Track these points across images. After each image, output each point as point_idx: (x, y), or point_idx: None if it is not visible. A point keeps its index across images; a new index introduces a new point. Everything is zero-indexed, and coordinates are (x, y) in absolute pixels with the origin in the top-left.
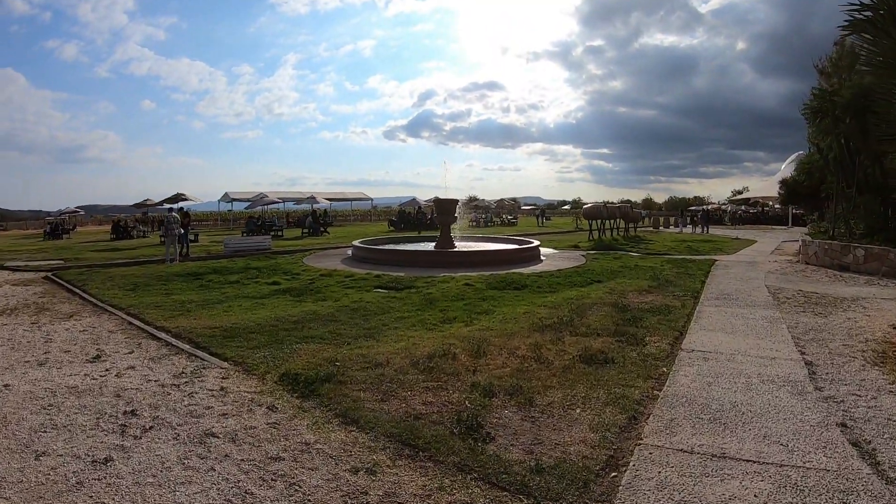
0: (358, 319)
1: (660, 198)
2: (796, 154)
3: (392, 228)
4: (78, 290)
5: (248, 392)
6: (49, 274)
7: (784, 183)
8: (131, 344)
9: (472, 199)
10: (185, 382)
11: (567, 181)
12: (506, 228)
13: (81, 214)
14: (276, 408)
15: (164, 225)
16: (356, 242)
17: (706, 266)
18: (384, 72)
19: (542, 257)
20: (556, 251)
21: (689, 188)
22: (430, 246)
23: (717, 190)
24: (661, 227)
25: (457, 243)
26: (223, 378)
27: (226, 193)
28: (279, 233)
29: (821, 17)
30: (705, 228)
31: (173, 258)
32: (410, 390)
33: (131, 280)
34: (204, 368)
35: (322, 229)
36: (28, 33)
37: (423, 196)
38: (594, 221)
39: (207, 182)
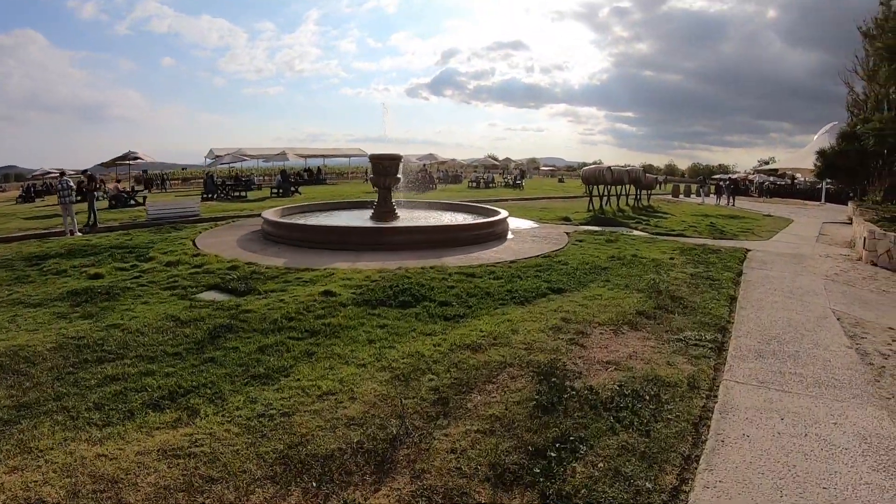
0: None
1: (683, 164)
2: (831, 124)
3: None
4: None
5: None
6: None
7: (822, 154)
8: None
9: (489, 158)
10: None
11: (590, 143)
12: (505, 191)
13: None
14: None
15: (58, 193)
16: (266, 214)
17: (735, 262)
18: (407, 29)
19: (510, 235)
20: (536, 225)
21: (714, 156)
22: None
23: (741, 159)
24: (680, 196)
25: (404, 213)
26: None
27: (210, 150)
28: (243, 193)
29: None
30: (731, 200)
31: (72, 230)
32: None
33: None
34: None
35: (294, 189)
36: None
37: (444, 154)
38: (595, 187)
39: (230, 139)
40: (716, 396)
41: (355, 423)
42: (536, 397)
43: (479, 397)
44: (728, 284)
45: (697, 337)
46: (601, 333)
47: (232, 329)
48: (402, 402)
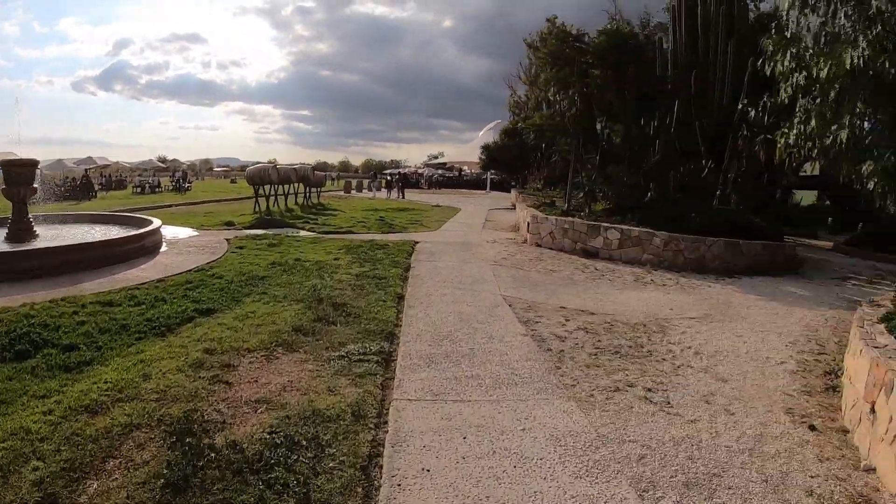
0: None
1: (357, 160)
2: (495, 122)
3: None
4: None
5: None
6: None
7: (486, 148)
8: None
9: (158, 160)
10: None
11: (265, 142)
12: (171, 196)
13: None
14: None
15: None
16: None
17: (403, 256)
18: (78, 14)
19: (164, 247)
20: (196, 233)
21: (387, 152)
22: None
23: (413, 154)
24: (352, 191)
25: (49, 229)
26: None
27: None
28: None
29: (526, 5)
30: (401, 193)
31: None
32: None
33: None
34: None
35: None
36: None
37: (112, 156)
38: (261, 187)
39: None
40: (386, 423)
41: None
42: (166, 472)
43: (95, 484)
44: (396, 282)
45: (362, 350)
46: (251, 362)
47: None
48: None
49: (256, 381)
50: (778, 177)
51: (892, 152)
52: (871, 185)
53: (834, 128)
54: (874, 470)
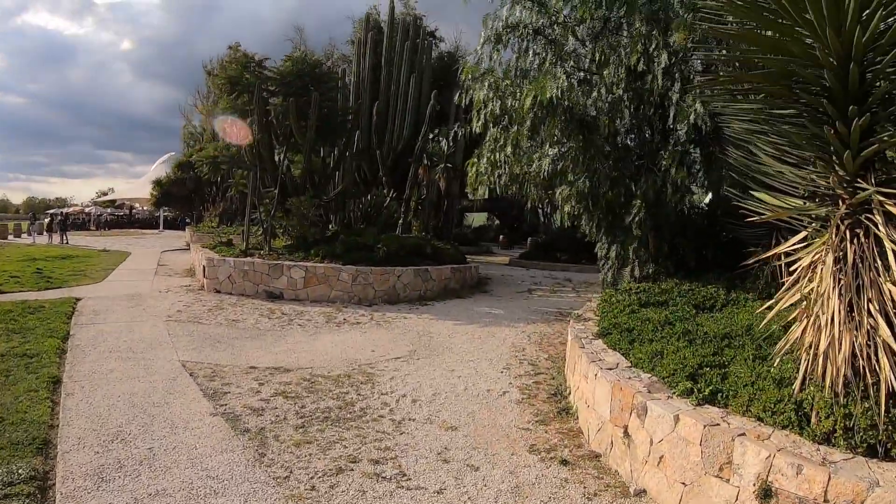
0: None
1: (18, 198)
2: (169, 154)
3: None
4: None
5: None
6: None
7: (158, 183)
8: None
9: None
10: None
11: None
12: None
13: None
14: None
15: None
16: None
17: (61, 321)
18: None
19: None
20: None
21: (52, 188)
22: None
23: (80, 191)
24: (10, 236)
25: None
26: None
27: None
28: None
29: (209, 35)
30: (64, 237)
31: None
32: None
33: None
34: None
35: None
36: None
37: None
38: None
39: None
40: None
41: None
42: None
43: None
44: (51, 359)
45: (8, 477)
46: None
47: None
48: None
49: None
50: (456, 203)
51: (585, 177)
52: (567, 208)
53: (536, 156)
54: (645, 492)
